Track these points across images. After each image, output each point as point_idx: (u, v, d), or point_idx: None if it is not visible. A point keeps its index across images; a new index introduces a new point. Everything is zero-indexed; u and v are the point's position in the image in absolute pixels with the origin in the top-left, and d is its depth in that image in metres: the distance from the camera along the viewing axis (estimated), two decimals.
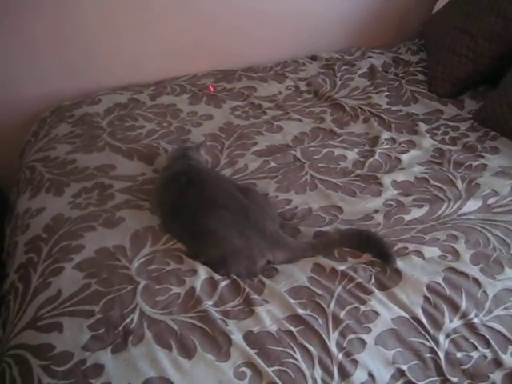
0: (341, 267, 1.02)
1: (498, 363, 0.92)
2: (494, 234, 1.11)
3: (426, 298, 0.97)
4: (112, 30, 1.76)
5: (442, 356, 0.90)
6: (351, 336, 0.91)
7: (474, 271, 1.02)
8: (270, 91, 1.81)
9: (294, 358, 0.87)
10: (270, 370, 0.84)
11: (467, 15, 1.77)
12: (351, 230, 1.12)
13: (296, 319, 0.93)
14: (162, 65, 1.92)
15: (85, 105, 1.69)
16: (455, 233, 1.12)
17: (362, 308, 0.95)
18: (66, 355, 0.86)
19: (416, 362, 0.90)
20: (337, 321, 0.93)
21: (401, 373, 0.88)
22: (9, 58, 1.67)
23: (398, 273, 1.01)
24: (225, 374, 0.84)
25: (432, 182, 1.31)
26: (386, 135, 1.52)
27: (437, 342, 0.92)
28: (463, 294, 0.98)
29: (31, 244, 1.12)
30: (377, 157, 1.42)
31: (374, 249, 1.05)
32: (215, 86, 1.67)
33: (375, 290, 0.98)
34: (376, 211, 1.21)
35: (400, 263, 1.02)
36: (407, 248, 1.07)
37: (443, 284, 0.99)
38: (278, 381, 0.83)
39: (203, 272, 1.02)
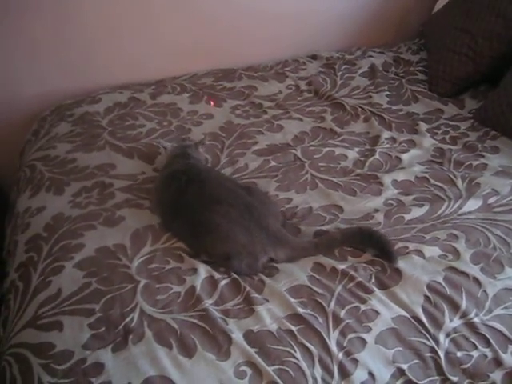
0: (341, 266, 1.02)
1: (498, 362, 0.92)
2: (494, 234, 1.11)
3: (427, 298, 0.97)
4: (112, 30, 1.76)
5: (442, 355, 0.90)
6: (351, 335, 0.91)
7: (474, 270, 1.02)
8: (270, 90, 1.81)
9: (294, 357, 0.87)
10: (270, 368, 0.84)
11: (467, 15, 1.77)
12: (353, 229, 1.12)
13: (296, 318, 0.93)
14: (163, 64, 1.92)
15: (85, 104, 1.69)
16: (455, 232, 1.12)
17: (363, 307, 0.95)
18: (67, 354, 0.86)
19: (416, 361, 0.90)
20: (337, 320, 0.93)
21: (401, 372, 0.88)
22: (9, 58, 1.67)
23: (398, 272, 1.01)
24: (225, 372, 0.84)
25: (432, 181, 1.31)
26: (386, 134, 1.52)
27: (437, 342, 0.92)
28: (463, 294, 0.98)
29: (31, 243, 1.13)
30: (377, 156, 1.42)
31: (376, 246, 1.05)
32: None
33: (375, 289, 0.98)
34: (376, 210, 1.21)
35: (400, 262, 1.02)
36: (407, 247, 1.07)
37: (443, 283, 0.99)
38: (278, 380, 0.83)
39: (203, 271, 1.02)
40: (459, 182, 1.29)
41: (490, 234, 1.11)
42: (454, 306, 0.96)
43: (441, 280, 1.00)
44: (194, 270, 1.02)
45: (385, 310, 0.95)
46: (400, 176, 1.33)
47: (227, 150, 1.46)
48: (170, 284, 0.99)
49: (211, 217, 1.05)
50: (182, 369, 0.84)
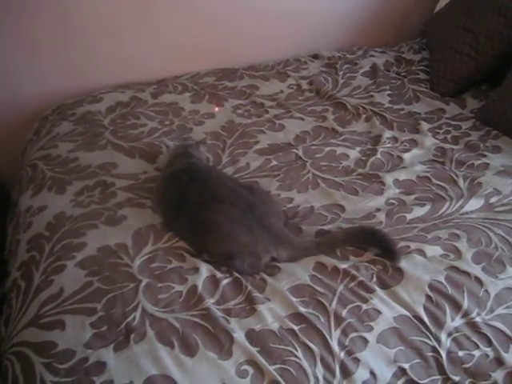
0: (343, 266, 1.02)
1: (499, 362, 0.92)
2: (496, 233, 1.11)
3: (428, 297, 0.97)
4: (112, 29, 1.76)
5: (443, 355, 0.91)
6: (353, 334, 0.91)
7: (475, 270, 1.02)
8: (271, 90, 1.81)
9: (296, 356, 0.87)
10: (271, 368, 0.84)
11: (469, 14, 1.77)
12: (355, 228, 1.12)
13: (298, 317, 0.93)
14: (164, 64, 1.92)
15: (86, 103, 1.69)
16: (457, 231, 1.12)
17: (364, 306, 0.95)
18: (69, 353, 0.86)
19: (418, 360, 0.90)
20: (339, 319, 0.93)
21: (402, 371, 0.88)
22: (9, 58, 1.67)
23: (399, 271, 1.01)
24: (227, 372, 0.84)
25: (434, 180, 1.31)
26: (388, 134, 1.52)
27: (439, 341, 0.92)
28: (465, 293, 0.98)
29: (33, 242, 1.13)
30: (379, 155, 1.42)
31: (379, 245, 1.05)
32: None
33: (377, 288, 0.98)
34: (378, 210, 1.21)
35: (402, 262, 1.02)
36: (409, 247, 1.07)
37: (445, 283, 0.99)
38: (279, 379, 0.83)
39: (205, 270, 1.02)
40: (461, 182, 1.29)
41: (491, 234, 1.11)
42: (456, 306, 0.96)
43: (442, 279, 1.00)
44: (196, 270, 1.02)
45: (386, 310, 0.95)
46: (402, 175, 1.33)
47: (229, 150, 1.46)
48: (172, 283, 0.99)
49: (213, 216, 1.05)
50: (183, 368, 0.84)
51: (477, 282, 1.00)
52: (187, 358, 0.85)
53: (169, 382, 0.82)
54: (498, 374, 0.91)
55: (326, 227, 1.15)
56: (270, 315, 0.93)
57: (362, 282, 0.99)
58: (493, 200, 1.22)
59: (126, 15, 1.75)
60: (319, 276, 1.01)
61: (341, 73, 1.90)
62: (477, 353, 0.92)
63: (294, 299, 0.95)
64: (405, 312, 0.95)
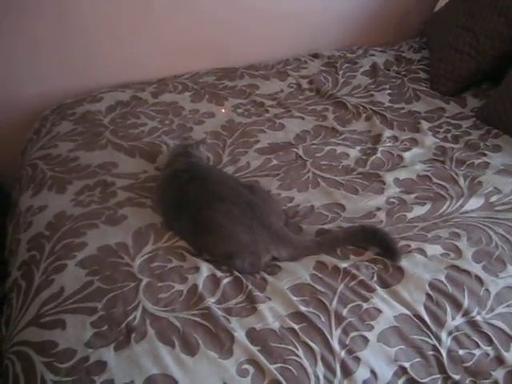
0: (343, 265, 1.02)
1: (500, 361, 0.92)
2: (496, 232, 1.11)
3: (429, 296, 0.97)
4: (112, 29, 1.75)
5: (444, 353, 0.91)
6: (354, 333, 0.91)
7: (476, 269, 1.02)
8: (271, 89, 1.81)
9: (297, 356, 0.87)
10: (272, 367, 0.85)
11: (469, 13, 1.77)
12: (355, 227, 1.12)
13: (298, 316, 0.93)
14: (164, 63, 1.92)
15: (86, 103, 1.69)
16: (457, 231, 1.12)
17: (365, 305, 0.95)
18: (69, 352, 0.86)
19: (418, 359, 0.90)
20: (339, 318, 0.93)
21: (403, 370, 0.88)
22: (9, 58, 1.67)
23: (400, 270, 1.01)
24: (227, 371, 0.84)
25: (434, 179, 1.31)
26: (388, 133, 1.52)
27: (439, 340, 0.92)
28: (465, 292, 0.98)
29: (34, 241, 1.13)
30: (379, 155, 1.42)
31: (380, 244, 1.05)
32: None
33: (377, 287, 0.98)
34: (378, 209, 1.21)
35: (402, 261, 1.02)
36: (409, 246, 1.07)
37: (445, 282, 0.99)
38: (280, 378, 0.83)
39: (206, 269, 1.02)
40: (461, 181, 1.29)
41: (492, 233, 1.11)
42: (456, 305, 0.96)
43: (443, 278, 1.00)
44: (196, 269, 1.02)
45: (387, 309, 0.95)
46: (402, 174, 1.33)
47: (229, 149, 1.46)
48: (172, 282, 0.99)
49: (213, 215, 1.05)
50: (184, 367, 0.84)
51: (477, 281, 1.00)
52: (188, 358, 0.85)
53: (169, 382, 0.82)
54: (499, 373, 0.91)
55: (326, 226, 1.15)
56: (271, 314, 0.93)
57: (363, 281, 0.99)
58: (493, 199, 1.22)
59: (126, 15, 1.75)
60: (320, 275, 1.01)
61: (341, 72, 1.90)
62: (477, 352, 0.92)
63: (294, 298, 0.96)
64: (405, 311, 0.95)
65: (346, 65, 1.96)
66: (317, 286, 0.98)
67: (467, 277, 1.01)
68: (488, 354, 0.92)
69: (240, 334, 0.89)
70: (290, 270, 1.03)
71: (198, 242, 1.08)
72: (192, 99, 1.73)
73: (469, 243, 1.08)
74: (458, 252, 1.06)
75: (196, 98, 1.74)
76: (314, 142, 1.50)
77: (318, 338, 0.90)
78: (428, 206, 1.20)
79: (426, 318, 0.94)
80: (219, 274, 1.01)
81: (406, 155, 1.42)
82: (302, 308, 0.94)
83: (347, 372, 0.86)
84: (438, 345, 0.91)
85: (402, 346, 0.91)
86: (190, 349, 0.87)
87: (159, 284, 0.98)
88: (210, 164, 1.39)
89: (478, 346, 0.92)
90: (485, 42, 1.67)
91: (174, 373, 0.83)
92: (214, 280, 1.00)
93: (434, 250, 1.06)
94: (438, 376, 0.90)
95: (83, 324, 0.91)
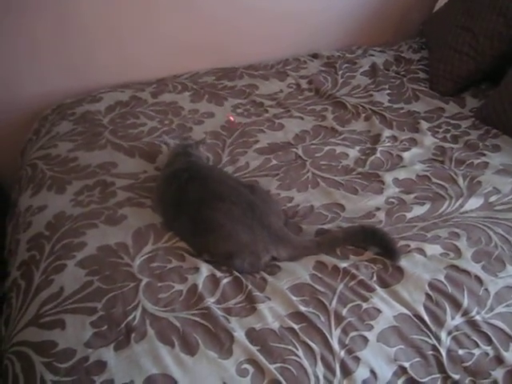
0: (343, 265, 1.02)
1: (499, 360, 0.92)
2: (495, 232, 1.11)
3: (428, 296, 0.97)
4: (112, 29, 1.75)
5: (443, 353, 0.91)
6: (353, 333, 0.91)
7: (475, 269, 1.02)
8: (271, 89, 1.81)
9: (297, 355, 0.87)
10: (272, 367, 0.85)
11: (468, 13, 1.77)
12: (355, 227, 1.12)
13: (298, 316, 0.93)
14: (163, 63, 1.91)
15: (86, 103, 1.69)
16: (457, 230, 1.12)
17: (364, 305, 0.95)
18: (69, 352, 0.86)
19: (418, 359, 0.90)
20: (339, 318, 0.93)
21: (403, 370, 0.88)
22: (10, 58, 1.67)
23: (399, 270, 1.01)
24: (227, 370, 0.84)
25: (434, 179, 1.31)
26: (387, 133, 1.52)
27: (439, 340, 0.92)
28: (465, 292, 0.98)
29: (33, 241, 1.13)
30: (378, 155, 1.42)
31: (380, 244, 1.05)
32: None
33: (377, 287, 0.98)
34: (378, 209, 1.21)
35: (402, 261, 1.03)
36: (409, 245, 1.07)
37: (445, 281, 0.99)
38: (280, 378, 0.83)
39: (205, 269, 1.02)
40: (460, 181, 1.29)
41: (491, 233, 1.11)
42: (456, 304, 0.96)
43: (442, 278, 1.00)
44: (196, 269, 1.02)
45: (386, 308, 0.95)
46: (401, 174, 1.33)
47: (228, 149, 1.46)
48: (172, 282, 0.99)
49: (213, 215, 1.05)
50: (184, 367, 0.84)
51: (477, 281, 1.00)
52: (187, 357, 0.85)
53: (169, 381, 0.82)
54: (498, 373, 0.91)
55: (325, 226, 1.15)
56: (271, 314, 0.93)
57: (362, 280, 0.99)
58: (492, 199, 1.23)
59: (126, 15, 1.75)
60: (319, 275, 1.01)
61: (340, 72, 1.90)
62: (477, 351, 0.92)
63: (294, 298, 0.96)
64: (405, 311, 0.95)
65: (346, 65, 1.96)
66: (316, 286, 0.98)
67: (467, 277, 1.01)
68: (487, 354, 0.92)
69: (240, 334, 0.89)
70: (289, 269, 1.03)
71: (197, 242, 1.08)
72: (191, 99, 1.73)
73: (468, 243, 1.08)
74: (458, 252, 1.06)
75: (195, 98, 1.74)
76: (314, 142, 1.50)
77: (318, 337, 0.90)
78: (427, 206, 1.20)
79: (426, 318, 0.94)
80: (219, 274, 1.01)
81: (406, 155, 1.42)
82: (302, 308, 0.94)
83: (347, 372, 0.86)
84: (437, 344, 0.91)
85: (402, 346, 0.91)
86: (190, 349, 0.87)
87: (159, 284, 0.98)
88: (210, 164, 1.39)
89: (477, 345, 0.92)
90: (484, 42, 1.67)
91: (174, 373, 0.83)
92: (214, 280, 1.00)
93: (434, 249, 1.06)
94: (438, 376, 0.90)
95: (83, 324, 0.90)
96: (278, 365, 0.85)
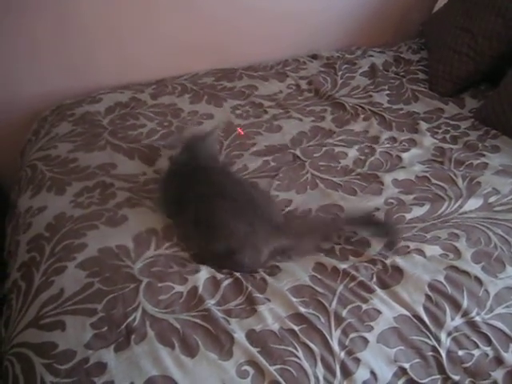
0: (342, 266, 1.03)
1: (499, 361, 0.92)
2: (495, 233, 1.11)
3: (428, 297, 0.97)
4: (112, 29, 1.75)
5: (443, 354, 0.91)
6: (353, 334, 0.91)
7: (475, 270, 1.03)
8: (270, 90, 1.81)
9: (297, 357, 0.87)
10: (272, 368, 0.85)
11: (467, 14, 1.77)
12: (357, 212, 1.13)
13: (298, 318, 0.93)
14: (163, 64, 1.91)
15: (86, 103, 1.69)
16: (456, 231, 1.12)
17: (364, 306, 0.95)
18: (69, 353, 0.86)
19: (418, 360, 0.90)
20: (339, 319, 0.93)
21: (403, 371, 0.89)
22: (9, 58, 1.67)
23: (399, 271, 1.02)
24: (227, 372, 0.84)
25: (433, 180, 1.31)
26: (386, 134, 1.53)
27: (438, 340, 0.92)
28: (465, 293, 0.98)
29: (33, 243, 1.12)
30: (377, 155, 1.42)
31: (382, 228, 1.07)
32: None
33: (377, 288, 0.99)
34: (377, 210, 1.21)
35: (401, 262, 1.03)
36: (408, 246, 1.07)
37: (445, 282, 1.00)
38: (280, 379, 0.83)
39: (206, 271, 1.02)
40: (460, 181, 1.29)
41: (490, 233, 1.11)
42: (456, 305, 0.97)
43: (442, 279, 1.00)
44: (197, 271, 1.02)
45: (386, 309, 0.95)
46: (400, 175, 1.33)
47: (225, 151, 1.46)
48: (173, 284, 0.99)
49: (215, 211, 1.05)
50: (184, 368, 0.84)
51: (476, 282, 1.00)
52: (188, 359, 0.85)
53: (169, 383, 0.82)
54: (498, 374, 0.91)
55: None
56: (271, 316, 0.93)
57: (362, 282, 0.99)
58: (492, 199, 1.23)
59: (126, 15, 1.74)
60: (319, 276, 1.01)
61: (340, 73, 1.90)
62: (476, 352, 0.92)
63: (294, 299, 0.96)
64: (405, 312, 0.95)
65: (345, 66, 1.96)
66: (316, 288, 0.98)
67: (466, 277, 1.01)
68: (487, 355, 0.92)
69: (240, 336, 0.89)
70: (289, 271, 1.03)
71: (199, 239, 1.08)
72: (191, 101, 1.73)
73: (468, 244, 1.08)
74: (457, 253, 1.06)
75: (195, 99, 1.73)
76: (311, 143, 1.49)
77: (318, 339, 0.90)
78: (427, 207, 1.20)
79: (426, 319, 0.94)
80: (219, 275, 1.01)
81: (405, 156, 1.42)
82: (302, 309, 0.94)
83: (347, 373, 0.86)
84: (437, 345, 0.91)
85: (402, 347, 0.91)
86: (190, 350, 0.87)
87: (159, 285, 0.98)
88: (214, 159, 1.34)
89: (477, 346, 0.93)
90: (483, 42, 1.67)
91: (174, 374, 0.83)
92: (214, 282, 1.00)
93: (433, 250, 1.06)
94: (438, 377, 0.90)
95: (83, 325, 0.90)
96: (278, 366, 0.85)
